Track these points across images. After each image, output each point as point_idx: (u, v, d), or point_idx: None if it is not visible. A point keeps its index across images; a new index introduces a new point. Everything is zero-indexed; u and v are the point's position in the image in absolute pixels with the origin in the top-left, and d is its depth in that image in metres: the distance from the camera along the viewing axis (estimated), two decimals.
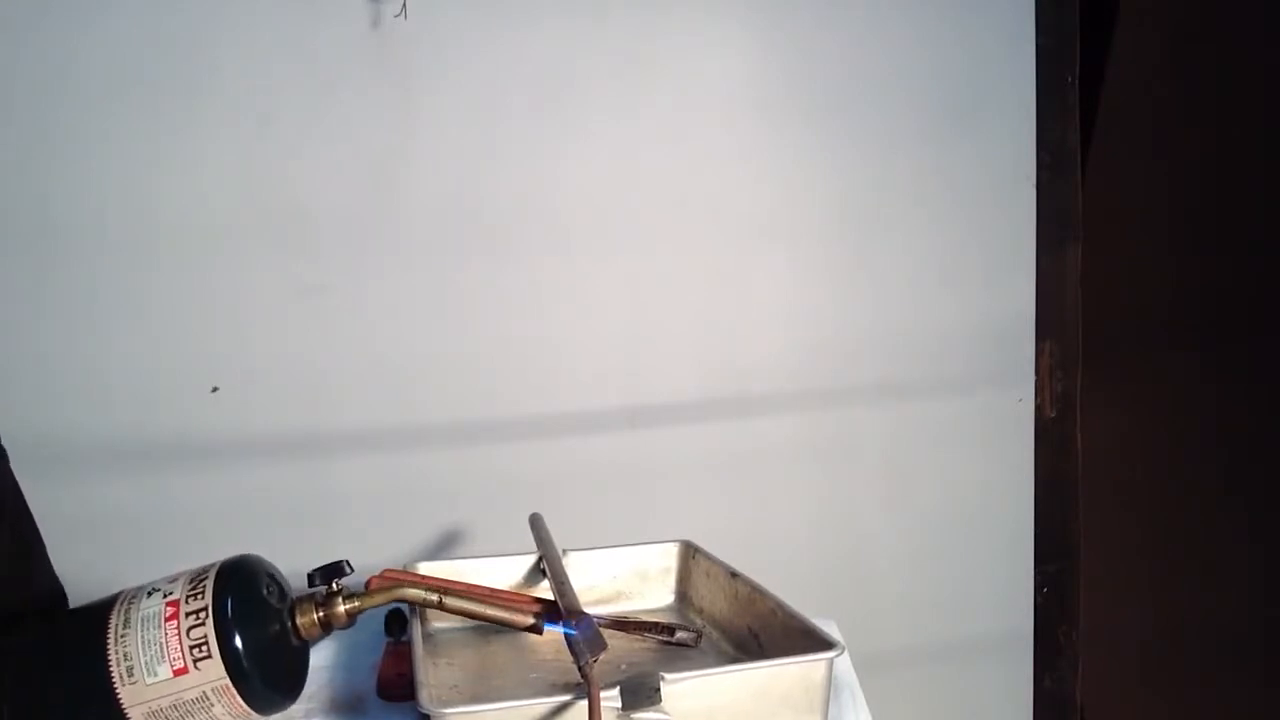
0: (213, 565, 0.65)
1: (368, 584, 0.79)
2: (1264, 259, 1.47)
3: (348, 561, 0.70)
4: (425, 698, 0.65)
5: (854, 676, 0.86)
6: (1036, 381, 1.59)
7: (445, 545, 1.39)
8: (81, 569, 0.87)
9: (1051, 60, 1.54)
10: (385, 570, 0.84)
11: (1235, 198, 1.53)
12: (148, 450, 1.32)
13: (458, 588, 0.83)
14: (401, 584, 0.76)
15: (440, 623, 0.91)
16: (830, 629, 0.76)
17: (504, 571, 0.96)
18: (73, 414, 1.29)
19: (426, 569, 0.92)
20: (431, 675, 0.78)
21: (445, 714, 0.63)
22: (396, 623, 0.89)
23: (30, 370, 1.27)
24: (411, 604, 0.77)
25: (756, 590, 0.85)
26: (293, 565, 0.72)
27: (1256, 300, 1.50)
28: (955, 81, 1.52)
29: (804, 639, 0.74)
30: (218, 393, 1.34)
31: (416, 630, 0.79)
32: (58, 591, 0.81)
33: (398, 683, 0.80)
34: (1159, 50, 1.65)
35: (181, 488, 1.33)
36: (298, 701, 0.70)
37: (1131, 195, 1.70)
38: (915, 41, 1.50)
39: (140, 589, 0.64)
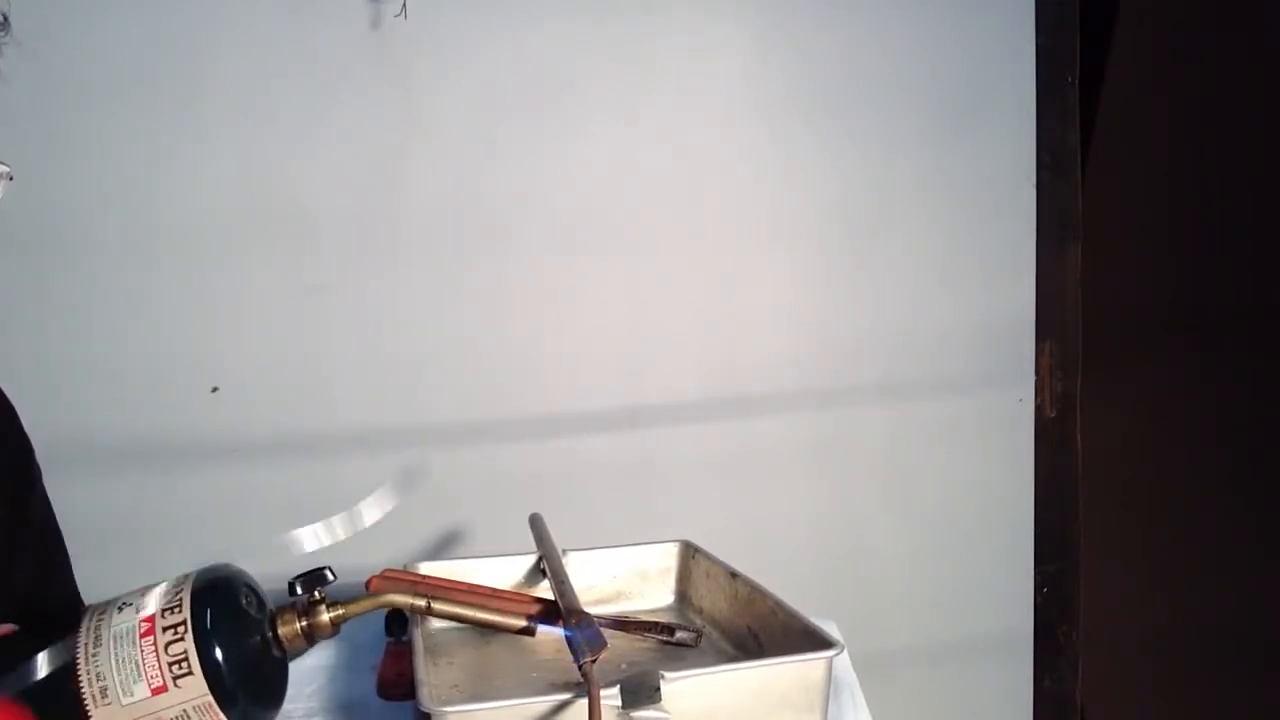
0: (187, 577, 0.62)
1: (368, 584, 0.79)
2: (1264, 259, 1.47)
3: (330, 568, 0.67)
4: (425, 696, 0.65)
5: (854, 676, 0.86)
6: (1036, 381, 1.59)
7: (445, 545, 1.39)
8: (81, 569, 0.87)
9: (1051, 60, 1.55)
10: (385, 570, 0.84)
11: (1235, 198, 1.53)
12: (148, 450, 1.32)
13: (457, 587, 0.83)
14: (388, 590, 0.75)
15: (441, 622, 0.91)
16: (830, 629, 0.76)
17: (504, 571, 0.96)
18: (72, 414, 1.29)
19: (426, 569, 0.91)
20: (432, 674, 0.78)
21: (446, 713, 0.63)
22: (397, 622, 0.89)
23: (30, 370, 1.27)
24: (399, 609, 0.76)
25: (756, 590, 0.84)
26: (293, 566, 0.72)
27: (1256, 300, 1.50)
28: (955, 81, 1.52)
29: (803, 639, 0.73)
30: (218, 393, 1.34)
31: (417, 630, 0.79)
32: (75, 609, 0.81)
33: (398, 682, 0.80)
34: (1159, 50, 1.65)
35: (181, 488, 1.33)
36: (297, 701, 0.70)
37: (1131, 195, 1.70)
38: (915, 42, 1.50)
39: (108, 604, 0.61)
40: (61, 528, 0.86)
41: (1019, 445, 1.61)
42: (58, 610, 0.77)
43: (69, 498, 0.90)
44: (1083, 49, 1.55)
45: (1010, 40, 1.54)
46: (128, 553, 1.26)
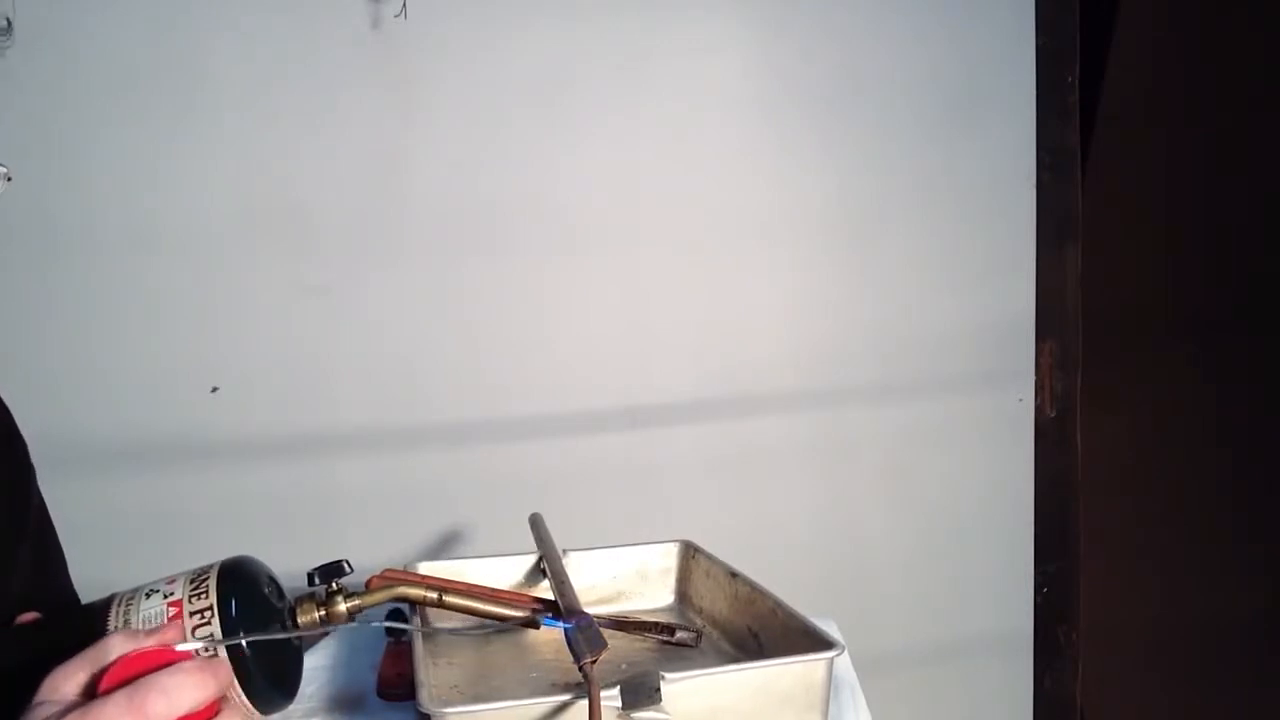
0: (212, 565, 0.65)
1: (368, 584, 0.79)
2: (1263, 259, 1.48)
3: (347, 561, 0.70)
4: (425, 697, 0.65)
5: (854, 676, 0.86)
6: (1036, 381, 1.59)
7: (445, 545, 1.39)
8: (81, 569, 0.87)
9: (1051, 60, 1.55)
10: (385, 570, 0.84)
11: (1234, 198, 1.54)
12: (148, 450, 1.32)
13: (458, 587, 0.83)
14: (401, 582, 0.76)
15: (440, 623, 0.91)
16: (830, 629, 0.76)
17: (504, 571, 0.96)
18: (72, 414, 1.29)
19: (426, 569, 0.91)
20: (432, 675, 0.78)
21: (445, 713, 0.63)
22: (398, 621, 0.89)
23: (30, 370, 1.27)
24: (412, 602, 0.77)
25: (756, 590, 0.84)
26: (292, 565, 0.72)
27: (1256, 300, 1.50)
28: (955, 81, 1.52)
29: (804, 639, 0.74)
30: (218, 393, 1.33)
31: (417, 630, 0.79)
32: (73, 605, 0.81)
33: (398, 682, 0.80)
34: (1159, 50, 1.65)
35: (181, 488, 1.33)
36: (297, 701, 0.70)
37: (1131, 195, 1.70)
38: (915, 41, 1.50)
39: (135, 590, 0.63)
40: (60, 528, 0.86)
41: (1019, 445, 1.60)
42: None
43: (68, 498, 0.90)
44: (1083, 49, 1.55)
45: (1010, 40, 1.54)
46: (127, 553, 1.26)
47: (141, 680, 0.49)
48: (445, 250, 1.39)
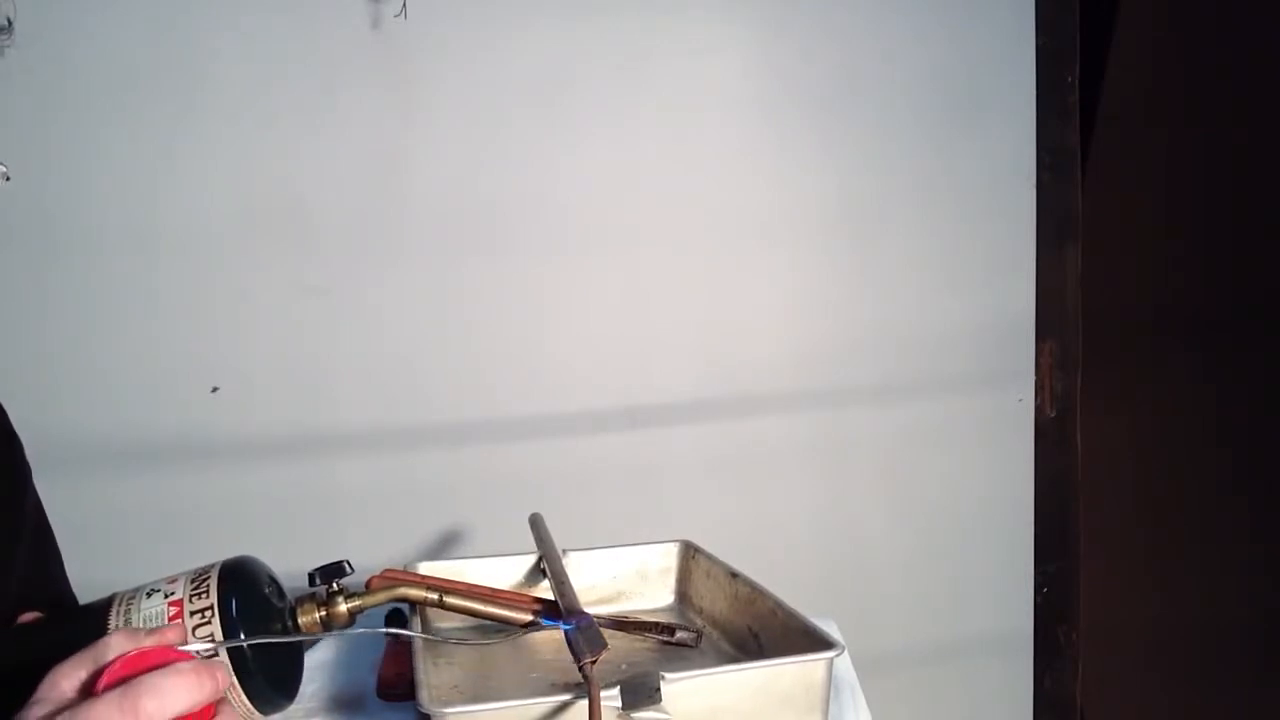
0: (213, 565, 0.65)
1: (368, 583, 0.79)
2: (1264, 258, 1.48)
3: (348, 561, 0.70)
4: (425, 697, 0.65)
5: (854, 676, 0.86)
6: (1036, 381, 1.59)
7: (445, 545, 1.39)
8: (81, 569, 0.87)
9: (1051, 60, 1.55)
10: (386, 570, 0.84)
11: (1235, 198, 1.54)
12: (148, 450, 1.32)
13: (458, 587, 0.83)
14: (402, 583, 0.76)
15: (441, 622, 0.91)
16: (830, 629, 0.76)
17: (504, 571, 0.96)
18: (72, 413, 1.29)
19: (426, 569, 0.92)
20: (432, 675, 0.78)
21: (445, 713, 0.63)
22: (397, 622, 0.89)
23: (30, 370, 1.27)
24: (412, 603, 0.77)
25: (756, 590, 0.84)
26: (293, 565, 0.72)
27: (1256, 299, 1.50)
28: (955, 81, 1.52)
29: (804, 639, 0.74)
30: (218, 393, 1.34)
31: (417, 629, 0.79)
32: (73, 605, 0.81)
33: (397, 682, 0.80)
34: (1159, 50, 1.65)
35: (181, 488, 1.33)
36: (297, 701, 0.70)
37: (1131, 195, 1.70)
38: (915, 41, 1.50)
39: (137, 590, 0.64)
40: (60, 528, 0.86)
41: (1019, 445, 1.60)
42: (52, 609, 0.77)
43: (69, 498, 0.90)
44: (1083, 49, 1.55)
45: (1010, 40, 1.54)
46: (127, 553, 1.27)
47: (136, 680, 0.49)
48: (445, 250, 1.39)
